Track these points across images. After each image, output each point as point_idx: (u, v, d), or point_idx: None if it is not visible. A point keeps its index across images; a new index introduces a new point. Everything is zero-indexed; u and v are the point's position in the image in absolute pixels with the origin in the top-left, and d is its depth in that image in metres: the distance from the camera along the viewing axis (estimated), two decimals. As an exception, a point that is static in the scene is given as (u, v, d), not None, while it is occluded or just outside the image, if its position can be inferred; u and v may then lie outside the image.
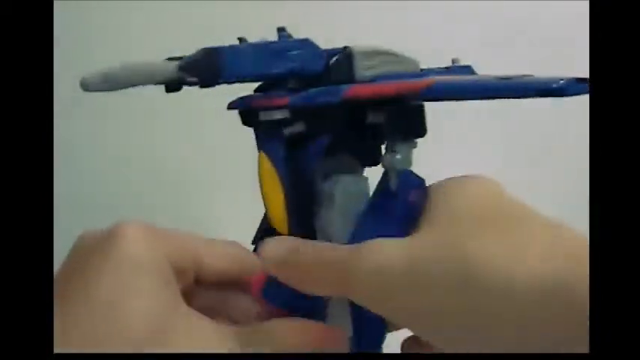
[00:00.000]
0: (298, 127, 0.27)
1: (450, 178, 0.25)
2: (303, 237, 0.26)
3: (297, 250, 0.24)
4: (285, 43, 0.28)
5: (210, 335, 0.24)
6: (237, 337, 0.24)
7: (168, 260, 0.24)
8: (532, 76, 0.21)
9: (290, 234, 0.27)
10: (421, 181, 0.26)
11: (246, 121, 0.29)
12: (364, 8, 0.62)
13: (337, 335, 0.26)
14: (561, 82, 0.20)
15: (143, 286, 0.23)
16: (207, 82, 0.26)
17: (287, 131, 0.27)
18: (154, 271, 0.23)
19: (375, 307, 0.23)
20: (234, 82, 0.27)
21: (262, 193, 0.27)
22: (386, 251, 0.21)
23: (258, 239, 0.29)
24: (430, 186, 0.25)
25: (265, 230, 0.28)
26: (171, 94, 0.26)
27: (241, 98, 0.28)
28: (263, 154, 0.27)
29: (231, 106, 0.29)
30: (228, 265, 0.27)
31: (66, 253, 0.25)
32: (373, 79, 0.27)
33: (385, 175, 0.26)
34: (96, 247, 0.23)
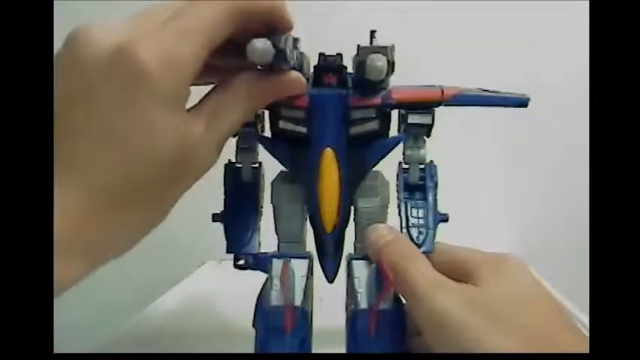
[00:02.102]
0: (372, 126, 0.29)
1: (497, 257, 0.28)
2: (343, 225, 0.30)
3: (396, 252, 0.28)
4: None
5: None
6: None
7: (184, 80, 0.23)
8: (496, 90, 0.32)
9: (335, 225, 0.30)
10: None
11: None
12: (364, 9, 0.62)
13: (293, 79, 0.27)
14: (525, 97, 0.31)
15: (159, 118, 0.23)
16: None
17: (354, 130, 0.29)
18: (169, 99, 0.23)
19: (426, 333, 0.27)
20: None
21: (320, 188, 0.29)
22: (445, 302, 0.25)
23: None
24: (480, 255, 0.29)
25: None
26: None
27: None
28: (329, 150, 0.29)
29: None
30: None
31: None
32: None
33: (404, 169, 0.32)
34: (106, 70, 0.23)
